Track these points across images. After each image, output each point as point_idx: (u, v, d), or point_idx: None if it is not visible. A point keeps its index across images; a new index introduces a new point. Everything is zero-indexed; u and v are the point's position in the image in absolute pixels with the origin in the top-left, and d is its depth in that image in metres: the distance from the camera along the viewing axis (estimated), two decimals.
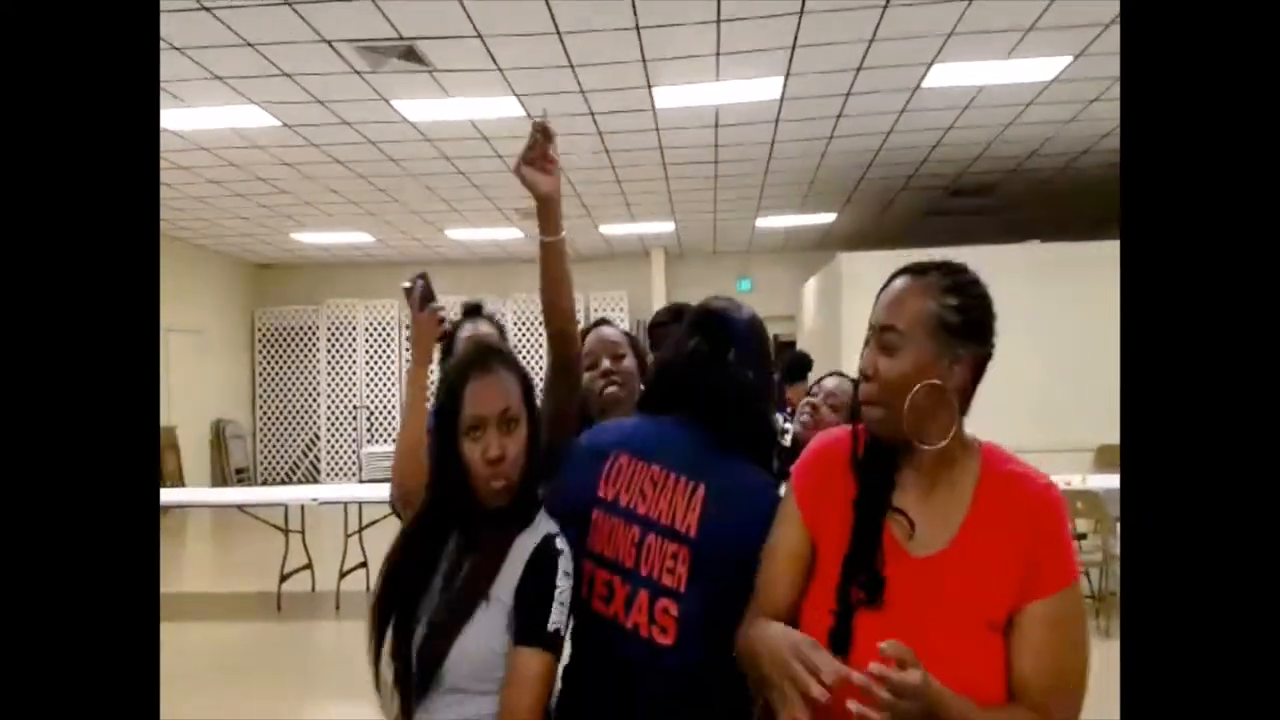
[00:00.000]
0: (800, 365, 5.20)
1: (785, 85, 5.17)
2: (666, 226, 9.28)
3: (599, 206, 8.22)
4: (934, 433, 1.09)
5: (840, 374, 2.00)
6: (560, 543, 1.28)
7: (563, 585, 1.24)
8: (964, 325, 1.09)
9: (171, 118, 5.43)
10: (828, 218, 9.06)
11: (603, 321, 2.03)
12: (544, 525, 1.31)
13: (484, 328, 2.16)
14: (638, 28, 4.27)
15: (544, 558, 1.26)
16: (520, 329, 10.52)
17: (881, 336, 1.11)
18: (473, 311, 2.18)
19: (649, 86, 5.10)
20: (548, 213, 1.60)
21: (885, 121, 5.96)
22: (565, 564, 1.26)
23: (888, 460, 1.14)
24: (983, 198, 8.21)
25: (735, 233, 9.79)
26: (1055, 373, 6.84)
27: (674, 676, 1.27)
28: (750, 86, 5.20)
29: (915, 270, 1.14)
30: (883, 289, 1.16)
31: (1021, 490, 1.10)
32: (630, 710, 1.29)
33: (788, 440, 3.51)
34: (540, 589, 1.24)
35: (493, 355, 1.33)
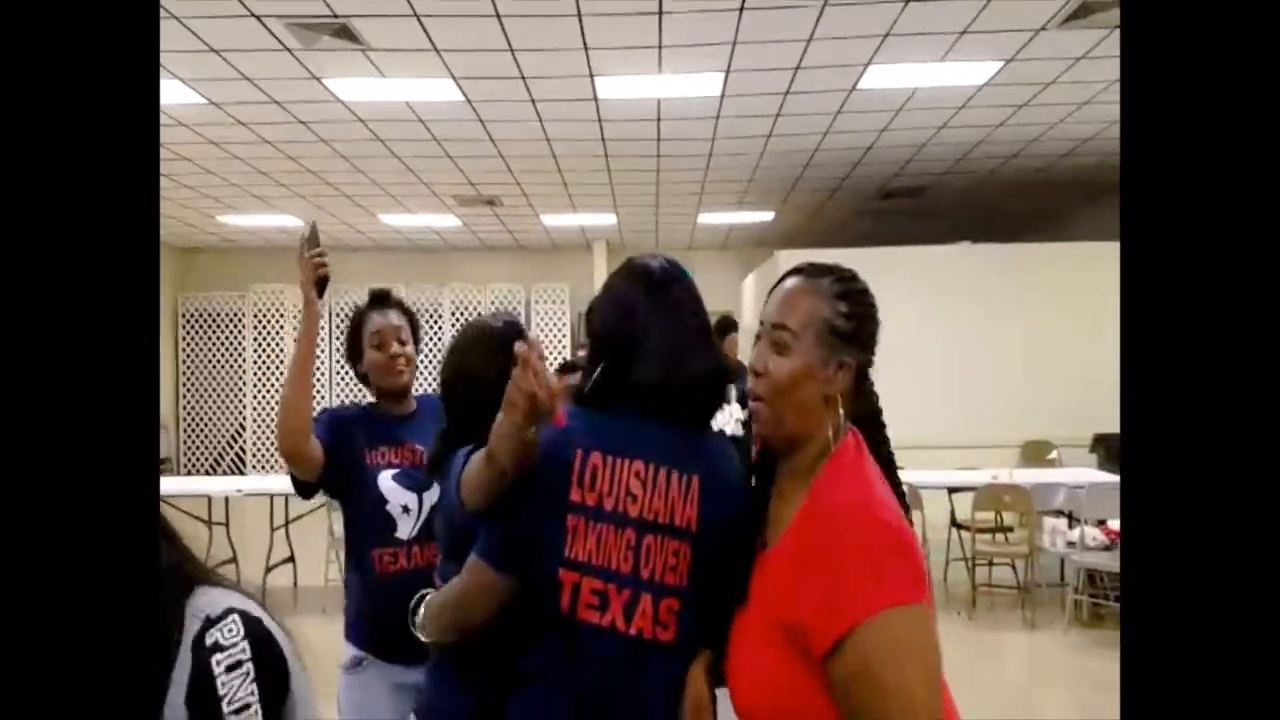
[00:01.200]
0: (725, 326, 5.29)
1: (726, 82, 5.19)
2: (609, 219, 9.26)
3: (540, 196, 8.15)
4: (815, 435, 1.12)
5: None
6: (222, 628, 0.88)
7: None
8: (852, 332, 1.12)
9: None
10: (766, 216, 9.16)
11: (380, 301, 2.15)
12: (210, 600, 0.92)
13: (393, 317, 2.09)
14: (579, 14, 4.24)
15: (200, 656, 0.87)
16: (457, 318, 10.37)
17: (773, 334, 1.13)
18: (379, 300, 2.12)
19: (591, 76, 5.07)
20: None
21: (822, 122, 6.05)
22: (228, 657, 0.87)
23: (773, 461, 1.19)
24: (914, 199, 8.41)
25: (677, 228, 9.82)
26: (984, 369, 7.06)
27: (675, 670, 1.23)
28: (692, 81, 5.22)
29: (809, 272, 1.16)
30: (775, 285, 1.17)
31: (829, 501, 1.06)
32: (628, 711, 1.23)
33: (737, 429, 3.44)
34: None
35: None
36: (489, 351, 1.49)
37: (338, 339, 10.58)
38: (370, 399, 2.14)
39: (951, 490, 5.57)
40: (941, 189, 8.10)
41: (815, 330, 1.11)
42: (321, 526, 5.55)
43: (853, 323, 1.12)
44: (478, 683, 1.34)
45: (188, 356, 10.74)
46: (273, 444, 10.40)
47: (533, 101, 5.50)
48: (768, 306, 1.16)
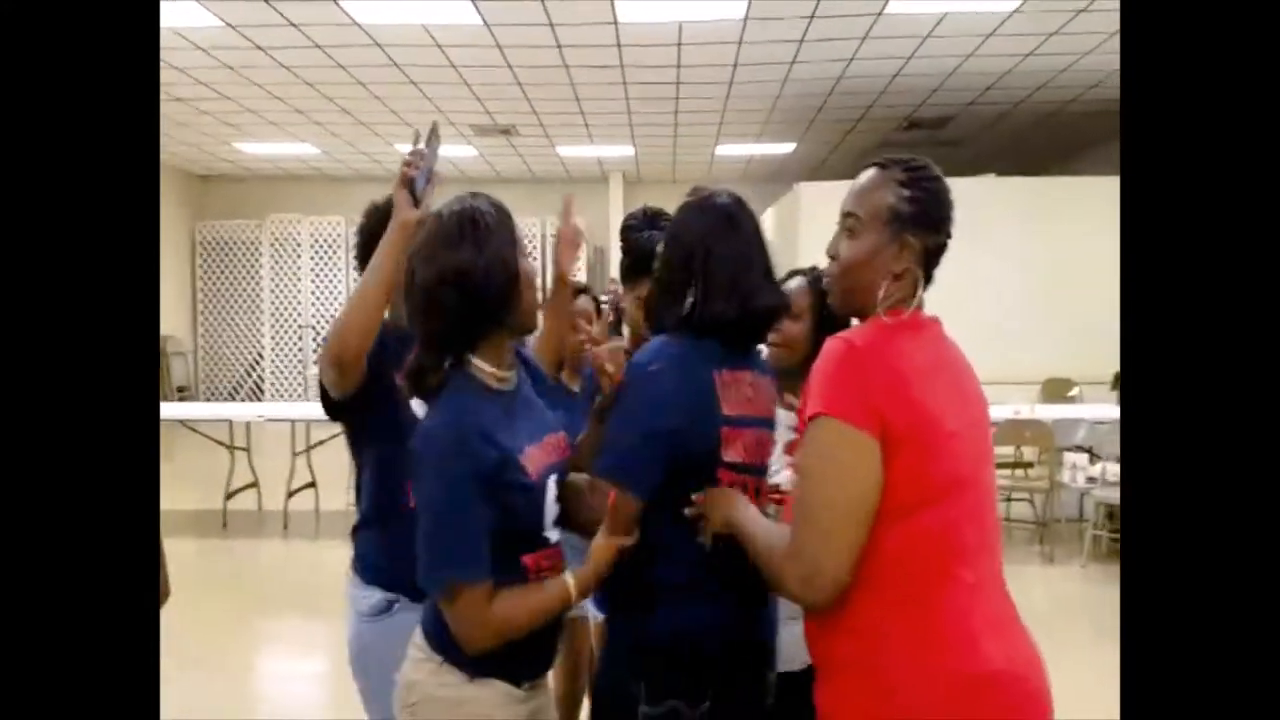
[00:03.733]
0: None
1: (750, 4, 5.05)
2: (626, 150, 9.13)
3: (557, 125, 8.04)
4: (886, 309, 1.22)
5: (800, 272, 1.90)
6: None
7: None
8: (914, 215, 1.22)
9: None
10: (786, 148, 9.00)
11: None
12: None
13: None
14: None
15: None
16: None
17: (844, 221, 1.26)
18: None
19: None
20: None
21: (848, 48, 5.89)
22: None
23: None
24: (938, 130, 8.23)
25: (695, 160, 9.68)
26: (1007, 305, 7.00)
27: None
28: (714, 4, 5.07)
29: (881, 164, 1.28)
30: (856, 181, 1.30)
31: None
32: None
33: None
34: None
35: None
36: (481, 240, 1.33)
37: (352, 267, 10.62)
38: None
39: None
40: (967, 120, 7.92)
41: (880, 215, 1.23)
42: (342, 452, 5.64)
43: (915, 206, 1.22)
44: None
45: (205, 284, 10.81)
46: (290, 370, 10.53)
47: (550, 24, 5.38)
48: (845, 198, 1.28)
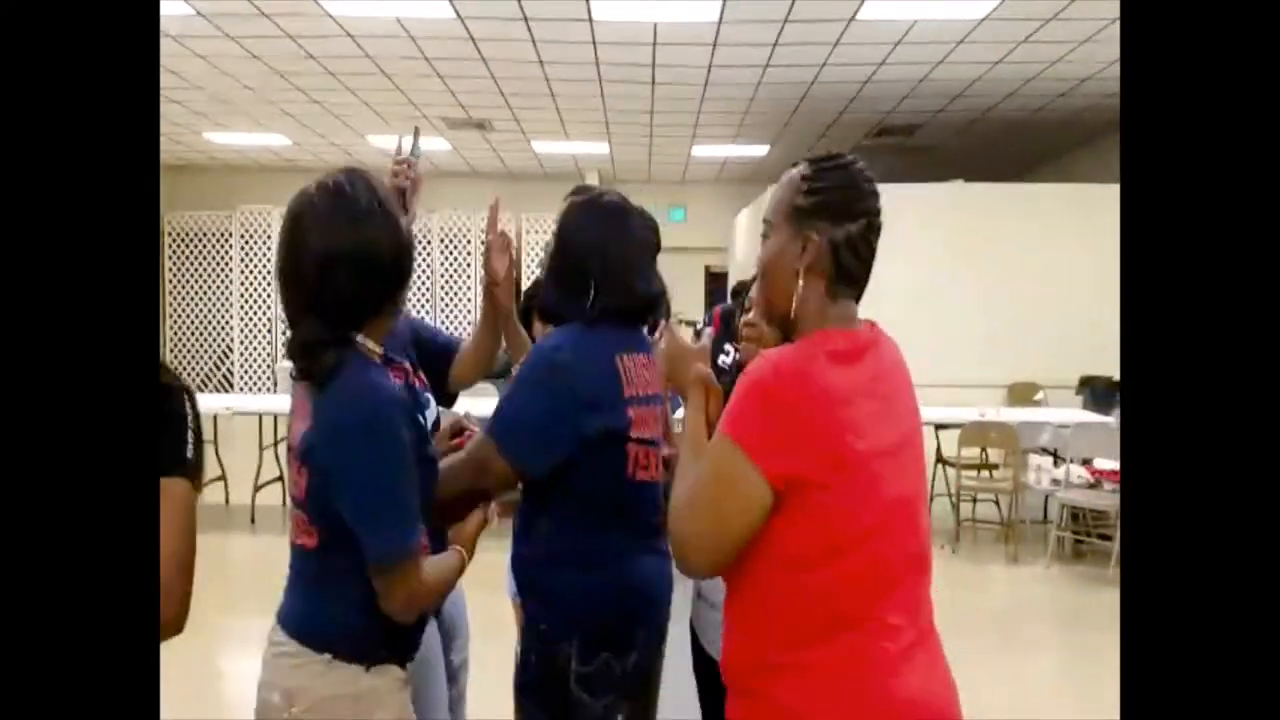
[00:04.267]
0: (746, 290, 5.27)
1: (724, 6, 5.09)
2: (601, 148, 9.14)
3: (532, 121, 8.02)
4: (808, 313, 1.20)
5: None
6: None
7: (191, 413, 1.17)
8: (815, 207, 1.20)
9: None
10: (760, 150, 9.06)
11: None
12: None
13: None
14: None
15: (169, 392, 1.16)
16: (446, 245, 10.29)
17: (762, 228, 1.27)
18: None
19: None
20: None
21: (820, 53, 5.95)
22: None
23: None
24: (907, 137, 8.33)
25: (671, 160, 9.71)
26: (973, 310, 7.10)
27: (319, 565, 1.37)
28: (689, 5, 5.10)
29: (792, 166, 1.27)
30: None
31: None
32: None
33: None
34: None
35: None
36: (366, 219, 1.29)
37: None
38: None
39: (938, 427, 5.68)
40: (936, 127, 8.03)
41: (783, 214, 1.22)
42: None
43: (815, 198, 1.20)
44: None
45: (175, 275, 10.65)
46: (260, 363, 10.42)
47: (526, 20, 5.38)
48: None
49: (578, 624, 1.57)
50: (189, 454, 1.16)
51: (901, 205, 9.02)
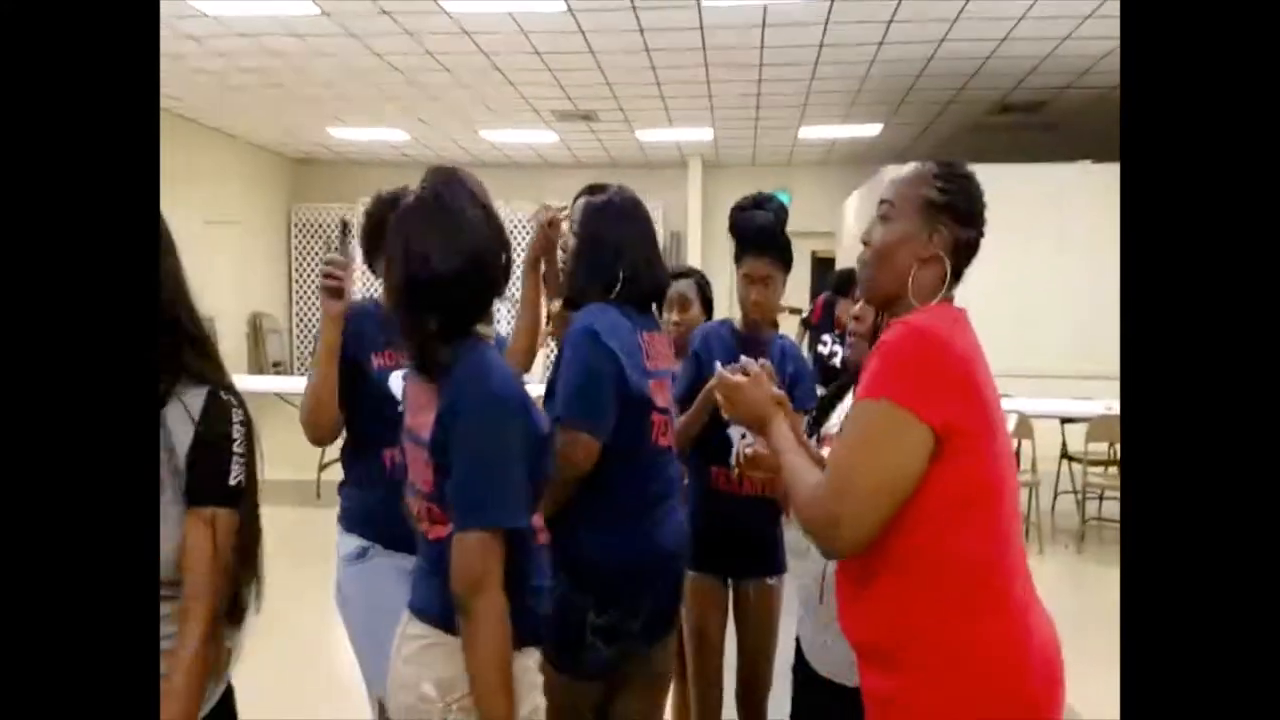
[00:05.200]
0: (848, 280, 5.16)
1: None
2: (705, 134, 9.09)
3: (637, 110, 8.05)
4: (916, 295, 1.27)
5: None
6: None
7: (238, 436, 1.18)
8: (947, 205, 1.27)
9: (211, 3, 5.36)
10: (873, 130, 8.80)
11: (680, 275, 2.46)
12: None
13: None
14: None
15: (214, 406, 1.17)
16: None
17: (880, 208, 1.32)
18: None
19: None
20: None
21: (938, 29, 5.73)
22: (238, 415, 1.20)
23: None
24: (1033, 114, 7.92)
25: (776, 143, 9.57)
26: (1101, 296, 6.71)
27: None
28: None
29: (919, 163, 1.34)
30: (895, 173, 1.36)
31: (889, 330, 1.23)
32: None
33: (837, 362, 3.51)
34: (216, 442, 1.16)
35: None
36: (475, 223, 1.38)
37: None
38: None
39: (1064, 420, 5.39)
40: (1063, 104, 7.60)
41: (914, 203, 1.28)
42: None
43: (947, 196, 1.27)
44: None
45: (299, 264, 11.24)
46: None
47: (634, 9, 5.39)
48: (883, 188, 1.34)
49: (598, 580, 1.68)
50: (231, 482, 1.17)
51: (1025, 185, 8.66)
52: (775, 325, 2.32)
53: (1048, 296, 6.77)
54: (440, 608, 1.32)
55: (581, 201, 1.88)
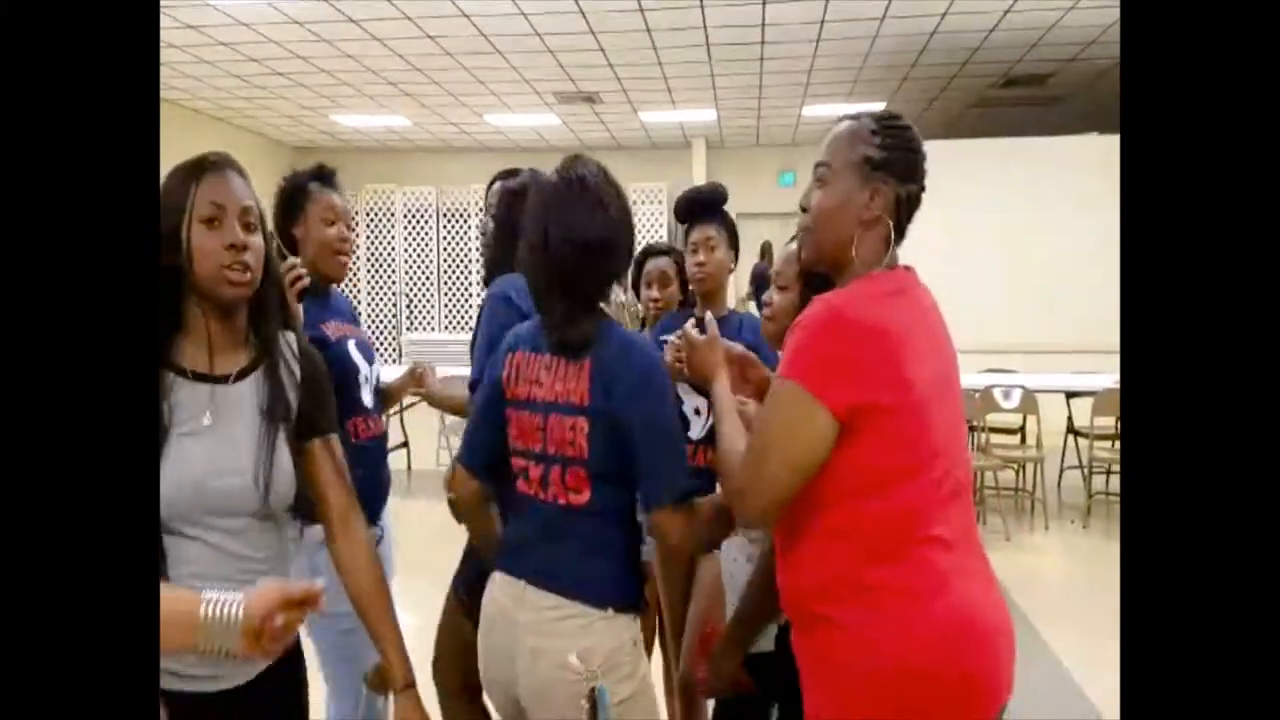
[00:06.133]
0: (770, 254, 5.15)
1: None
2: (708, 114, 9.04)
3: (639, 91, 8.01)
4: (861, 260, 1.23)
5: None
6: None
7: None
8: (885, 160, 1.22)
9: None
10: (877, 106, 8.69)
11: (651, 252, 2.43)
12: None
13: (336, 199, 1.94)
14: None
15: (305, 345, 1.34)
16: None
17: (816, 171, 1.27)
18: (329, 179, 1.96)
19: None
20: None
21: (940, 4, 5.67)
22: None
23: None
24: (1038, 87, 7.85)
25: (780, 123, 9.51)
26: (1108, 270, 6.67)
27: (590, 523, 1.40)
28: None
29: (852, 116, 1.29)
30: (829, 133, 1.31)
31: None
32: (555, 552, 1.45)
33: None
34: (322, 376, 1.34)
35: (231, 161, 1.21)
36: (613, 207, 1.45)
37: (443, 236, 10.85)
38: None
39: (1070, 395, 5.38)
40: (1068, 77, 7.53)
41: (850, 162, 1.23)
42: (431, 414, 5.85)
43: (885, 152, 1.22)
44: None
45: None
46: (386, 335, 10.93)
47: None
48: (819, 149, 1.29)
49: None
50: (333, 411, 1.34)
51: (1031, 159, 8.57)
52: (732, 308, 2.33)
53: (1053, 271, 6.73)
54: (577, 581, 1.35)
55: (497, 186, 1.96)
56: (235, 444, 1.18)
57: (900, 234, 1.24)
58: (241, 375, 1.23)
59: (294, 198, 1.93)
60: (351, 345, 1.94)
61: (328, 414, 1.32)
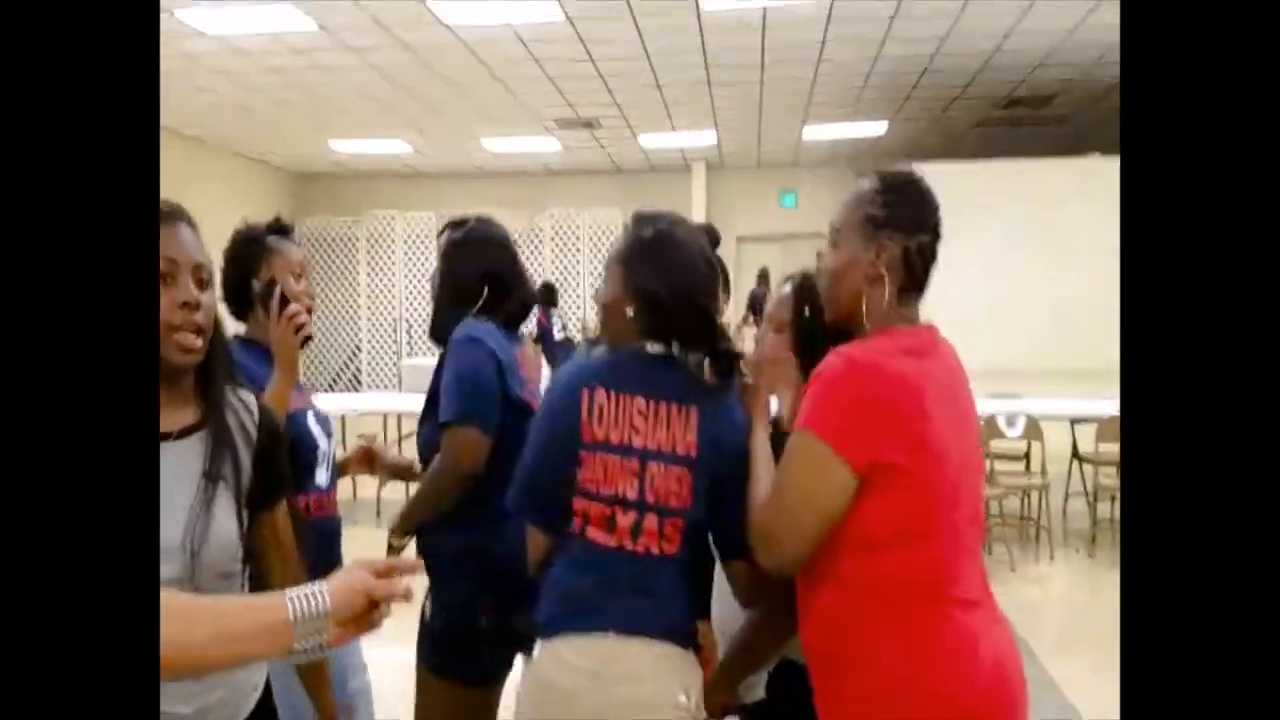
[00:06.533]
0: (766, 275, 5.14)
1: None
2: (708, 137, 9.04)
3: (639, 115, 8.01)
4: (871, 315, 1.29)
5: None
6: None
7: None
8: (887, 218, 1.28)
9: (209, 20, 5.35)
10: (878, 128, 8.73)
11: None
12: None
13: (294, 253, 1.81)
14: None
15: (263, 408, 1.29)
16: (557, 242, 10.44)
17: (830, 234, 1.36)
18: (287, 231, 1.84)
19: None
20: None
21: (942, 25, 5.66)
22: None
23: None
24: (1041, 108, 7.83)
25: (780, 144, 9.50)
26: (1112, 293, 6.60)
27: (675, 570, 1.42)
28: None
29: (861, 178, 1.37)
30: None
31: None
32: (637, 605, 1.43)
33: None
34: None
35: (182, 213, 1.15)
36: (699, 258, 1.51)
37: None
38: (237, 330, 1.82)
39: (1074, 421, 5.30)
40: (1071, 98, 7.51)
41: (855, 223, 1.31)
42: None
43: (888, 210, 1.28)
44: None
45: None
46: (386, 361, 10.89)
47: (633, 15, 5.35)
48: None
49: (482, 582, 1.77)
50: (285, 477, 1.31)
51: (1034, 181, 8.58)
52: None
53: (1057, 294, 6.68)
54: (670, 627, 1.39)
55: (444, 238, 1.97)
56: (166, 507, 1.07)
57: (920, 285, 1.30)
58: (185, 433, 1.15)
59: (250, 248, 1.78)
60: (310, 418, 1.80)
61: (283, 485, 1.28)
